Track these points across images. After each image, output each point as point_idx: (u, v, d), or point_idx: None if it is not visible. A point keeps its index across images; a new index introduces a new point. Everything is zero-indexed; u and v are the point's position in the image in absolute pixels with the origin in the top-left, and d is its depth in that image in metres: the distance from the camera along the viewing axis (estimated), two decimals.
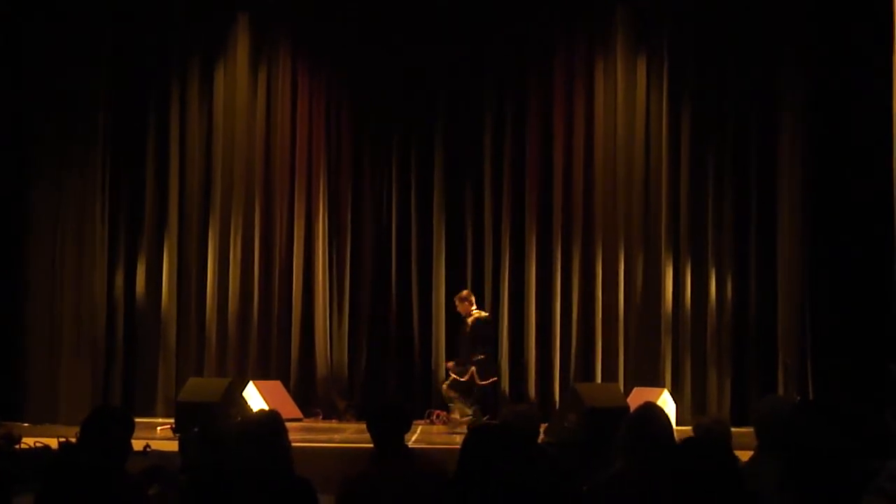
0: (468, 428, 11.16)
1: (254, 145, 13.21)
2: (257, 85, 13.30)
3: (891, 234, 11.47)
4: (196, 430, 6.20)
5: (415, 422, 11.08)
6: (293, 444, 4.64)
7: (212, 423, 9.34)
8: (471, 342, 11.88)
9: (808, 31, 12.56)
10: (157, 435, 10.57)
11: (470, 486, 4.24)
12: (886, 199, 11.48)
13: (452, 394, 11.83)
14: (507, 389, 13.02)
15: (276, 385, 12.64)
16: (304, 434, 11.01)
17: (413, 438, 10.48)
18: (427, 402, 12.79)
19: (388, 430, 5.12)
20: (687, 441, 3.88)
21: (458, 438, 5.24)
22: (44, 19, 12.53)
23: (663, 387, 12.39)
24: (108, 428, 4.66)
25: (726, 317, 12.88)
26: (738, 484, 3.59)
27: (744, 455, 5.47)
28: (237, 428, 4.67)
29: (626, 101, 13.10)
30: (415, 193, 13.41)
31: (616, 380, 12.62)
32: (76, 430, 4.85)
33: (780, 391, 12.24)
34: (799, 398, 11.37)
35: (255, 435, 4.41)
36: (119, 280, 13.03)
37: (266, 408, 11.11)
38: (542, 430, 8.52)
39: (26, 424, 11.42)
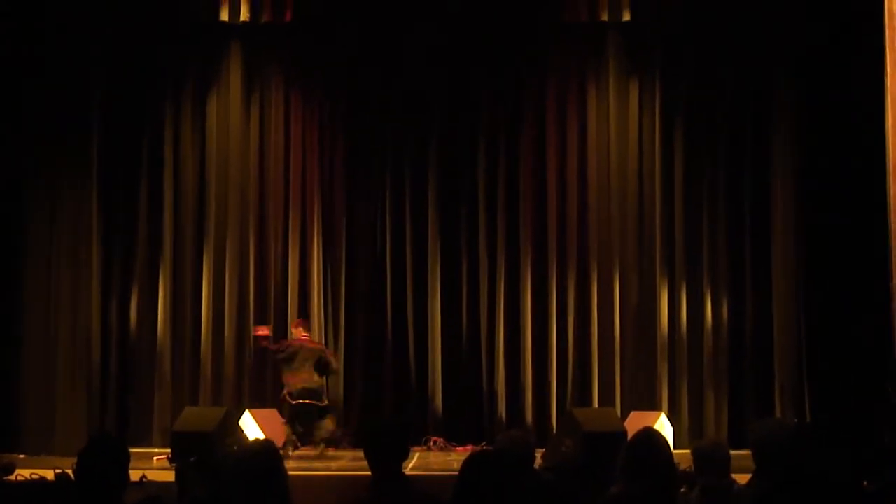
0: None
1: (247, 172, 13.22)
2: (250, 112, 13.31)
3: (887, 256, 11.48)
4: (193, 459, 6.20)
5: (412, 448, 11.08)
6: (289, 473, 4.62)
7: (208, 452, 9.33)
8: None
9: (800, 51, 12.61)
10: (153, 465, 10.53)
11: None
12: (882, 220, 11.50)
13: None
14: (503, 415, 13.00)
15: (272, 413, 12.59)
16: (301, 462, 10.97)
17: (410, 465, 10.44)
18: (424, 428, 12.76)
19: (386, 456, 5.10)
20: None
21: (456, 465, 5.23)
22: (37, 47, 12.55)
23: (660, 410, 12.38)
24: (104, 458, 4.64)
25: (722, 339, 12.87)
26: None
27: (742, 478, 5.47)
28: (233, 458, 4.65)
29: (618, 124, 13.14)
30: (409, 218, 13.40)
31: (613, 404, 12.60)
32: (72, 460, 4.83)
33: (778, 413, 12.23)
34: (796, 420, 11.38)
35: (252, 464, 4.39)
36: (114, 308, 13.01)
37: (262, 437, 11.08)
38: (538, 455, 8.52)
39: (22, 455, 11.38)
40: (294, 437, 11.76)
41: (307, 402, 11.78)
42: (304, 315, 12.94)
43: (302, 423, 11.89)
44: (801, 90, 12.66)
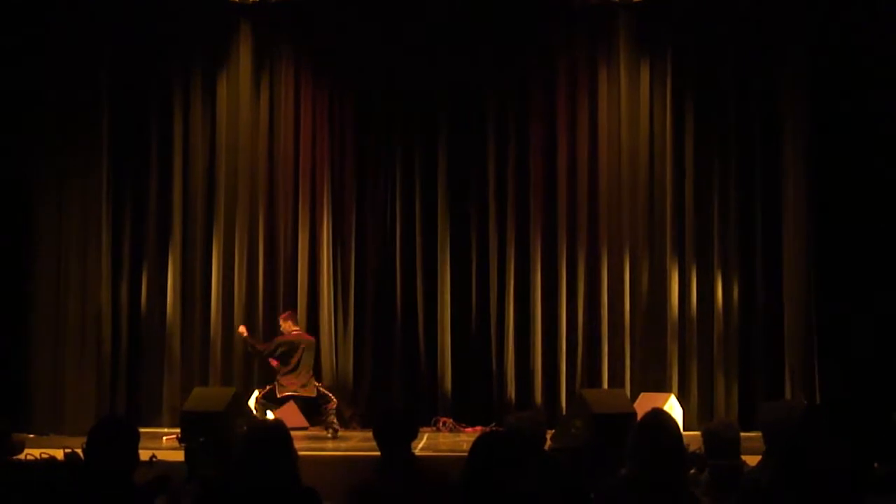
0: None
1: (257, 154, 13.20)
2: (260, 93, 13.29)
3: None
4: (202, 439, 6.19)
5: (421, 429, 11.09)
6: (299, 453, 4.63)
7: (218, 432, 9.35)
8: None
9: (811, 29, 12.54)
10: (163, 445, 10.55)
11: (476, 494, 4.23)
12: (893, 200, 11.46)
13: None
14: (513, 396, 13.00)
15: None
16: (310, 443, 10.99)
17: (419, 446, 10.47)
18: (433, 409, 12.77)
19: (395, 437, 5.11)
20: None
21: (465, 445, 5.24)
22: (45, 29, 12.53)
23: (670, 392, 12.37)
24: (114, 438, 4.64)
25: (732, 321, 12.86)
26: None
27: (752, 460, 5.46)
28: (243, 437, 4.65)
29: (629, 105, 13.10)
30: (419, 200, 13.41)
31: (622, 385, 12.61)
32: (81, 440, 4.83)
33: (787, 395, 12.22)
34: (806, 402, 11.35)
35: (261, 444, 4.39)
36: (123, 290, 13.03)
37: (271, 416, 11.10)
38: (548, 436, 8.52)
39: (31, 435, 11.39)
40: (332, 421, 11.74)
41: (306, 395, 11.75)
42: (293, 307, 12.88)
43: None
44: (812, 68, 12.59)
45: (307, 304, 13.16)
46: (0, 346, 12.24)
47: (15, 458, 7.43)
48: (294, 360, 11.68)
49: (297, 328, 12.10)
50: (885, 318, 11.66)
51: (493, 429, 10.71)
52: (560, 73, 13.32)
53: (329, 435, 11.58)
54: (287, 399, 11.73)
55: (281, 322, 12.12)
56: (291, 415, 11.97)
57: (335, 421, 11.74)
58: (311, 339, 12.09)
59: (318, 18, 13.28)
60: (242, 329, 12.17)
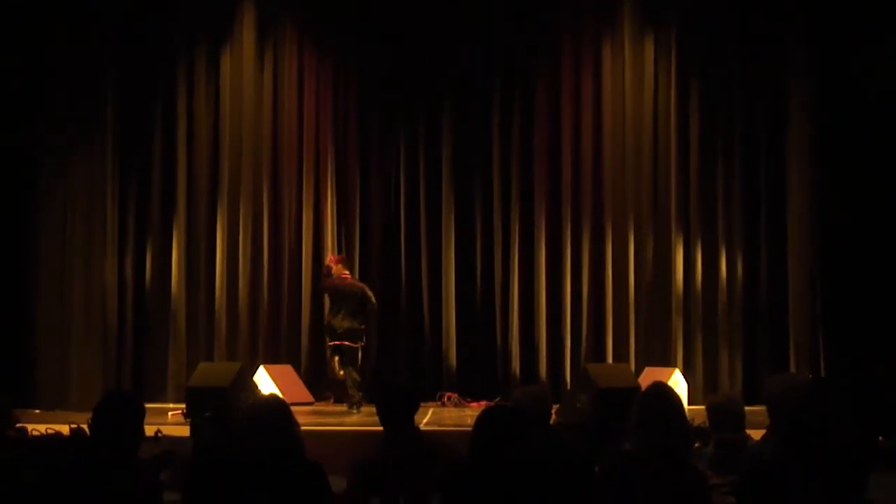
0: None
1: (261, 128, 13.18)
2: (264, 67, 13.25)
3: None
4: (207, 414, 6.22)
5: (426, 404, 11.09)
6: (304, 428, 4.64)
7: (223, 407, 9.36)
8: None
9: (817, 5, 12.47)
10: (168, 420, 10.59)
11: (481, 467, 4.23)
12: None
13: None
14: (517, 371, 13.01)
15: (287, 369, 12.65)
16: (315, 417, 11.01)
17: (424, 420, 10.48)
18: (438, 384, 12.79)
19: (397, 411, 5.12)
20: None
21: (470, 420, 5.26)
22: (50, 3, 12.49)
23: (675, 366, 12.37)
24: (119, 413, 4.65)
25: (737, 295, 12.84)
26: None
27: (756, 433, 5.47)
28: (245, 412, 4.66)
29: (634, 80, 13.05)
30: (423, 175, 13.39)
31: (627, 360, 12.61)
32: (87, 416, 4.85)
33: (792, 369, 12.22)
34: (811, 376, 11.36)
35: (262, 420, 4.40)
36: (128, 266, 13.02)
37: (277, 392, 11.12)
38: (553, 410, 8.53)
39: (37, 411, 11.43)
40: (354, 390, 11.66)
41: (346, 342, 11.66)
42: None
43: (343, 364, 11.83)
44: (817, 41, 12.52)
45: (312, 278, 13.15)
46: (5, 321, 12.25)
47: (16, 427, 7.43)
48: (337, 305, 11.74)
49: (347, 273, 12.04)
50: (891, 294, 11.64)
51: (498, 403, 10.73)
52: (564, 48, 13.26)
53: (354, 410, 11.56)
54: (334, 347, 11.74)
55: (332, 265, 12.10)
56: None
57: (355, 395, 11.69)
58: (355, 288, 11.90)
59: None
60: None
